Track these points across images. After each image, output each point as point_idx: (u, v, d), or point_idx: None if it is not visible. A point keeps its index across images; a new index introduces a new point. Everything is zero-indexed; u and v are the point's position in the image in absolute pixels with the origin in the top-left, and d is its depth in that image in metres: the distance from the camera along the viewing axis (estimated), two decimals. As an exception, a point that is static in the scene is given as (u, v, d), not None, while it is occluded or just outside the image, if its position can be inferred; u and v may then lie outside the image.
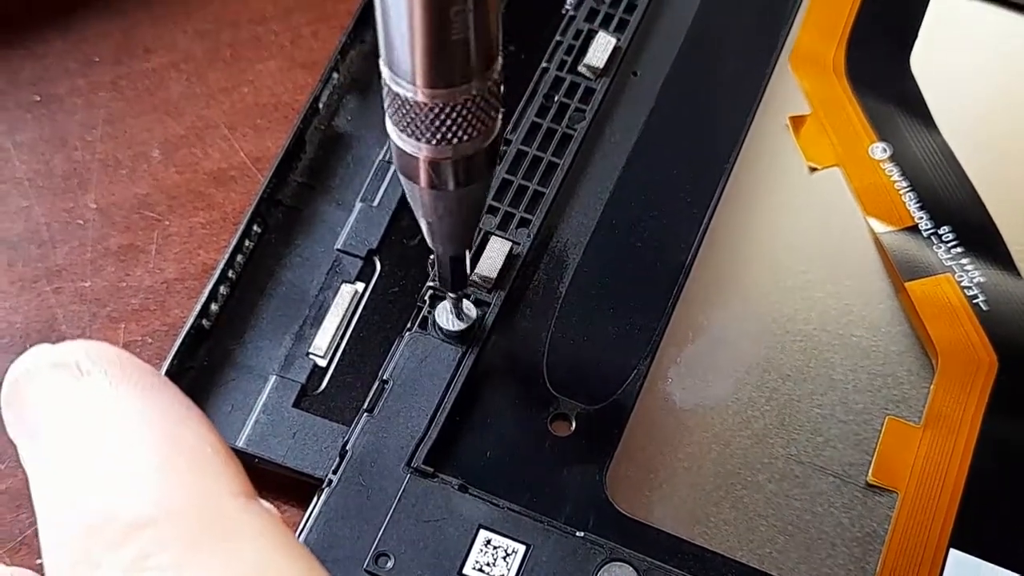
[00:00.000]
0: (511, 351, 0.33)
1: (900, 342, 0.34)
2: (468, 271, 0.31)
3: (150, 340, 0.35)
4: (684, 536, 0.31)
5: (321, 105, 0.37)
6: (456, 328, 0.32)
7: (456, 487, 0.31)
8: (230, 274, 0.34)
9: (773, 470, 0.32)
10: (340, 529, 0.30)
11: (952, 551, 0.31)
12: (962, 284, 0.34)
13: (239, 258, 0.35)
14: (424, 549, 0.30)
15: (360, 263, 0.35)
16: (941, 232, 0.35)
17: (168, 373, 0.32)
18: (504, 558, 0.30)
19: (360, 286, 0.35)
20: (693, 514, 0.32)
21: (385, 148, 0.36)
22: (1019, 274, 0.34)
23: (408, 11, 0.22)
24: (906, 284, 0.34)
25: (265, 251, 0.35)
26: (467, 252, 0.30)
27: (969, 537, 0.31)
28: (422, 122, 0.24)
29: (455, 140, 0.24)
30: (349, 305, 0.34)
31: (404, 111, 0.24)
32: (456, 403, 0.32)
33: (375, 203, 0.36)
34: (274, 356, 0.34)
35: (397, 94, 0.24)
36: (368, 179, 0.36)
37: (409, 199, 0.27)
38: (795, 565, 0.31)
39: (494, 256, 0.33)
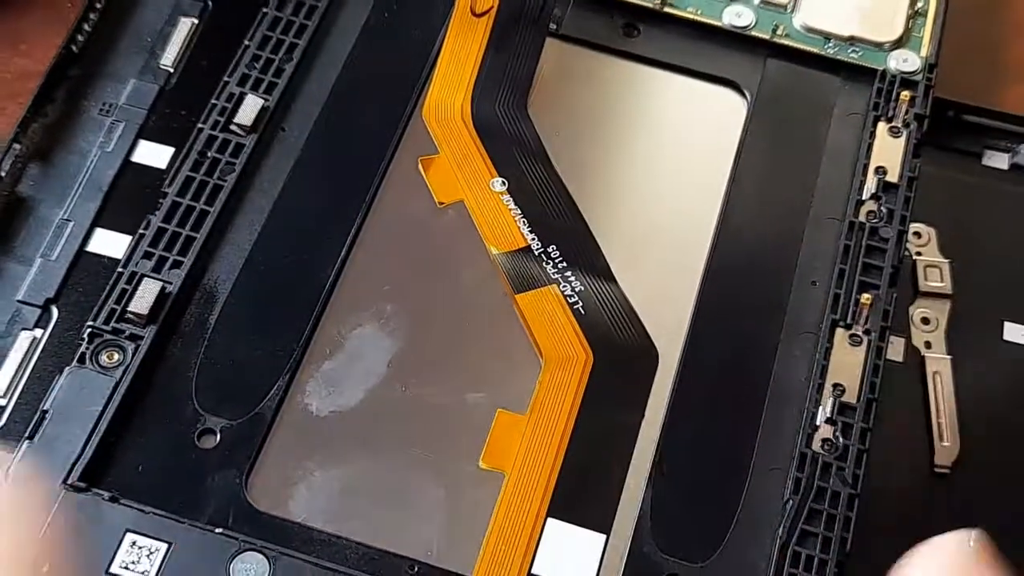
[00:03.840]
0: (162, 378, 0.37)
1: (512, 345, 0.39)
2: None
3: None
4: (315, 525, 0.35)
5: (3, 173, 0.41)
6: None
7: (107, 498, 0.35)
8: (-87, 329, 0.38)
9: (399, 461, 0.37)
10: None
11: (549, 519, 0.36)
12: (565, 293, 0.40)
13: (-77, 313, 0.38)
14: (77, 553, 0.34)
15: (39, 312, 0.39)
16: (549, 250, 0.40)
17: None
18: (148, 556, 0.34)
19: (38, 332, 0.39)
20: (327, 508, 0.36)
21: (63, 209, 0.41)
22: (615, 281, 0.40)
23: None
24: (516, 296, 0.40)
25: (-51, 306, 0.39)
26: None
27: (564, 507, 0.36)
28: None
29: None
30: (28, 349, 0.39)
31: None
32: (110, 426, 0.36)
33: (54, 257, 0.40)
34: (-44, 399, 0.38)
35: None
36: (48, 237, 0.41)
37: None
38: (414, 541, 0.36)
39: (146, 295, 0.38)
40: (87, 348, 0.37)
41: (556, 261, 0.40)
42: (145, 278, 0.38)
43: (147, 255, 0.39)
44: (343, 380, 0.38)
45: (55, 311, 0.39)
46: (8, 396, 0.38)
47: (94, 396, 0.36)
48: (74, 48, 0.44)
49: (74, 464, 0.35)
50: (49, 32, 0.46)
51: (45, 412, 0.36)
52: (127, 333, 0.37)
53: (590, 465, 0.37)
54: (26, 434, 0.36)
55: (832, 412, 0.38)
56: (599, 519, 0.36)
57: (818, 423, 0.38)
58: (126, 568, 0.34)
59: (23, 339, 0.39)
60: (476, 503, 0.36)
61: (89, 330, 0.37)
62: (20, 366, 0.38)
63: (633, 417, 0.38)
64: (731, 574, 0.36)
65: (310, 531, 0.35)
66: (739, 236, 0.41)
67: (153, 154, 0.42)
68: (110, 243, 0.40)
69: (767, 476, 0.37)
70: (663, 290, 0.40)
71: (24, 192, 0.41)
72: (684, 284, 0.40)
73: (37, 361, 0.38)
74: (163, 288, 0.38)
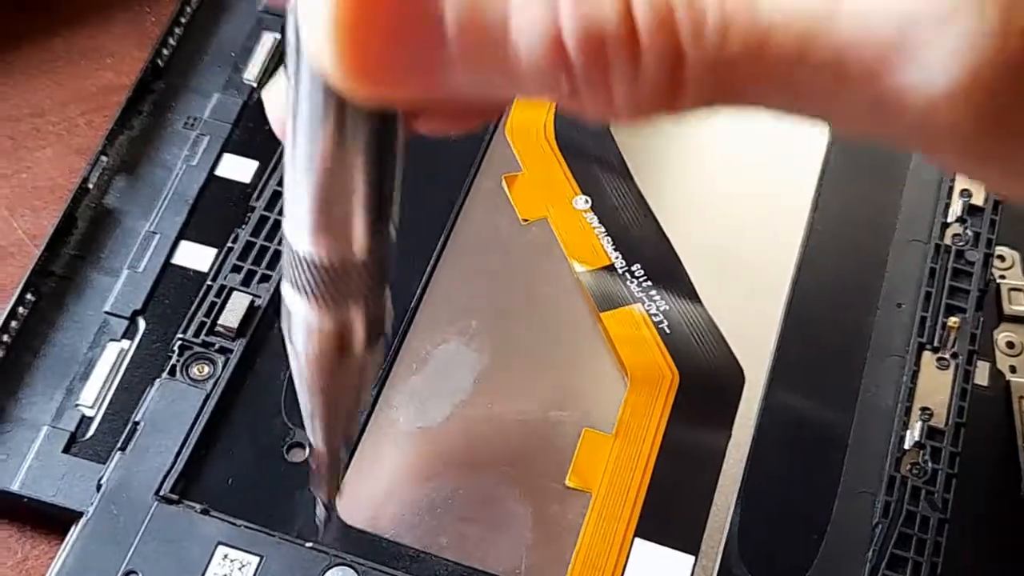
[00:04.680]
0: (252, 390, 0.38)
1: (597, 364, 0.39)
2: (341, 475, 0.31)
3: (-67, 401, 0.39)
4: (404, 541, 0.35)
5: (91, 185, 0.42)
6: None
7: (199, 511, 0.35)
8: (4, 338, 0.38)
9: (486, 478, 0.37)
10: (94, 552, 0.34)
11: (637, 540, 0.36)
12: (650, 312, 0.40)
13: (13, 323, 0.39)
14: (169, 566, 0.34)
15: (126, 323, 0.40)
16: (633, 269, 0.40)
17: (-57, 427, 0.36)
18: (240, 569, 0.34)
19: (126, 343, 0.39)
20: (413, 522, 0.36)
21: (149, 222, 0.41)
22: (700, 301, 0.40)
23: (307, 163, 0.22)
24: (601, 314, 0.40)
25: (39, 317, 0.39)
26: (343, 453, 0.30)
27: (651, 527, 0.36)
28: (305, 278, 0.24)
29: (331, 302, 0.24)
30: (116, 360, 0.39)
31: (292, 264, 0.24)
32: (200, 438, 0.36)
33: (140, 269, 0.40)
34: (46, 409, 0.38)
35: (289, 245, 0.24)
36: (135, 249, 0.41)
37: (294, 374, 0.27)
38: (502, 560, 0.36)
39: (236, 308, 0.38)
40: (177, 360, 0.37)
41: (640, 280, 0.40)
42: (235, 291, 0.39)
43: (235, 268, 0.39)
44: (430, 396, 0.38)
45: (142, 323, 0.40)
46: (96, 407, 0.38)
47: (185, 408, 0.37)
48: (159, 62, 0.44)
49: (166, 476, 0.35)
50: (131, 46, 0.46)
51: (136, 423, 0.36)
52: (217, 346, 0.38)
53: (677, 485, 0.37)
54: (118, 445, 0.36)
55: (921, 436, 0.37)
56: (687, 540, 0.36)
57: (906, 447, 0.37)
58: (218, 581, 0.34)
59: (111, 350, 0.39)
60: (563, 521, 0.36)
61: (179, 342, 0.38)
62: (108, 377, 0.38)
63: (720, 438, 0.38)
64: (822, 597, 0.35)
65: (399, 547, 0.35)
66: (824, 257, 0.41)
67: (237, 168, 0.43)
68: (195, 256, 0.41)
69: (855, 499, 0.37)
70: (747, 311, 0.40)
71: (111, 204, 0.42)
72: (768, 305, 0.40)
73: (124, 373, 0.39)
74: (252, 301, 0.38)
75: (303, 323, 0.25)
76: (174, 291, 0.40)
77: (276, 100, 0.24)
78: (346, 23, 0.19)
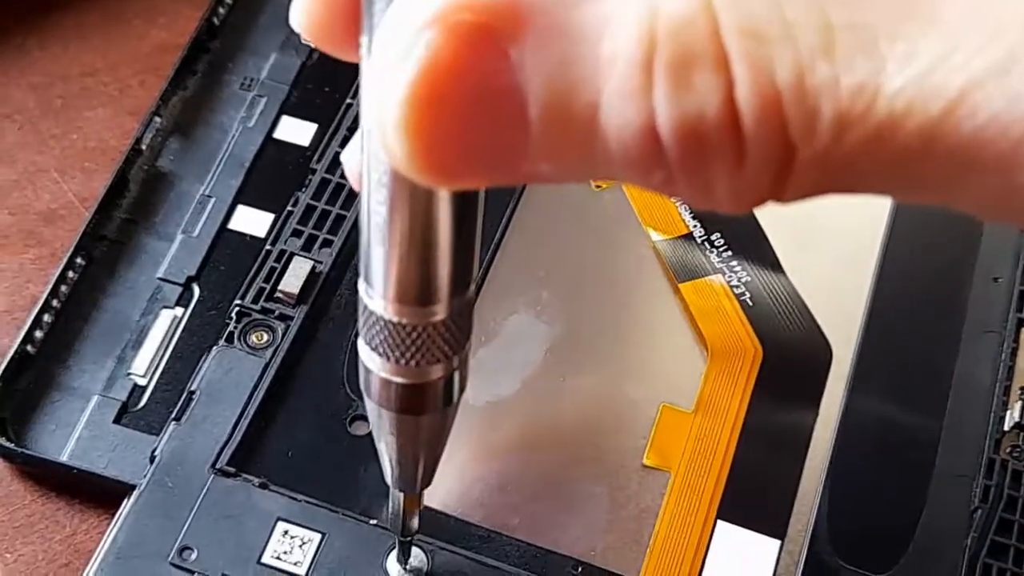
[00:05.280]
0: (313, 360, 0.36)
1: (675, 337, 0.37)
2: (419, 520, 0.30)
3: (-20, 369, 0.37)
4: (473, 520, 0.33)
5: (144, 147, 0.40)
6: None
7: (257, 484, 0.33)
8: (54, 303, 0.37)
9: (558, 455, 0.35)
10: (147, 527, 0.32)
11: (719, 522, 0.34)
12: (730, 283, 0.37)
13: (63, 288, 0.37)
14: (226, 542, 0.32)
15: (180, 290, 0.38)
16: (712, 238, 0.38)
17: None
18: (301, 546, 0.32)
19: (179, 311, 0.37)
20: (482, 500, 0.34)
21: (204, 185, 0.39)
22: (783, 272, 0.38)
23: (387, 221, 0.20)
24: (680, 285, 0.37)
25: (90, 282, 0.38)
26: (420, 494, 0.29)
27: (734, 509, 0.34)
28: (383, 339, 0.23)
29: (411, 362, 0.23)
30: (169, 328, 0.37)
31: (370, 324, 0.23)
32: (259, 409, 0.34)
33: (195, 234, 0.39)
34: (97, 378, 0.36)
35: (366, 306, 0.23)
36: (189, 213, 0.39)
37: (372, 426, 0.27)
38: (575, 541, 0.33)
39: (297, 274, 0.36)
40: (235, 327, 0.36)
41: (720, 249, 0.38)
42: (295, 256, 0.37)
43: (296, 233, 0.37)
44: (499, 369, 0.36)
45: (196, 289, 0.38)
46: (149, 376, 0.36)
47: (242, 377, 0.35)
48: (215, 20, 0.43)
49: (223, 448, 0.34)
50: (185, 5, 0.44)
51: (192, 393, 0.35)
52: (276, 313, 0.36)
53: (761, 465, 0.35)
54: (172, 415, 0.34)
55: (1021, 417, 0.35)
56: (773, 523, 0.34)
57: (1006, 428, 0.35)
58: (278, 558, 0.32)
59: (164, 317, 0.37)
60: (640, 502, 0.34)
61: (237, 308, 0.36)
62: (161, 345, 0.37)
63: (806, 416, 0.36)
64: (918, 587, 0.33)
65: (468, 526, 0.33)
66: (915, 227, 0.39)
67: (296, 130, 0.41)
68: (252, 221, 0.39)
69: (951, 483, 0.35)
70: (834, 283, 0.38)
71: (164, 167, 0.40)
72: (856, 277, 0.38)
73: (178, 341, 0.37)
74: (313, 267, 0.36)
75: (379, 381, 0.24)
76: (230, 257, 0.38)
77: (354, 160, 0.23)
78: (417, 125, 0.17)
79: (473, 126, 0.17)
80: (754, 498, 0.34)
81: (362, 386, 0.25)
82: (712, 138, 0.16)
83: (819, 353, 0.37)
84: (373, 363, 0.24)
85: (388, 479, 0.28)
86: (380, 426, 0.26)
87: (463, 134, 0.17)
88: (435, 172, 0.18)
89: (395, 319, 0.22)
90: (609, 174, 0.18)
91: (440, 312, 0.22)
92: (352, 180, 0.23)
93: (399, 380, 0.24)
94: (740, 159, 0.17)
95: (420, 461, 0.27)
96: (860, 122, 0.16)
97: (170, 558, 0.32)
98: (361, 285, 0.22)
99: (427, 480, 0.28)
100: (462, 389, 0.25)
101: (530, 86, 0.17)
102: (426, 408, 0.25)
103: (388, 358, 0.23)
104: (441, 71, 0.17)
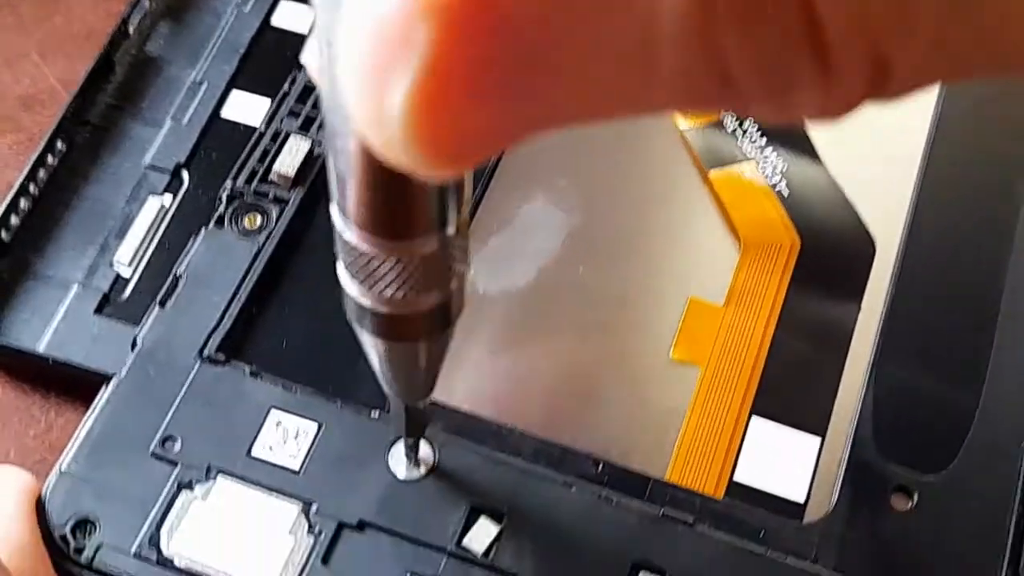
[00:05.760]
0: (310, 245, 0.33)
1: (704, 227, 0.34)
2: (425, 421, 0.28)
3: (-49, 258, 0.34)
4: (484, 415, 0.31)
5: (131, 29, 0.37)
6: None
7: (249, 373, 0.30)
8: (31, 189, 0.34)
9: (577, 349, 0.32)
10: (127, 416, 0.29)
11: (754, 417, 0.31)
12: (765, 172, 0.34)
13: (41, 173, 0.34)
14: (213, 432, 0.29)
15: (168, 177, 0.35)
16: (745, 125, 0.35)
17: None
18: (295, 437, 0.29)
19: (167, 198, 0.34)
20: (497, 397, 0.31)
21: (196, 70, 0.36)
22: (820, 161, 0.35)
23: (357, 155, 0.17)
24: (709, 173, 0.34)
25: (71, 168, 0.35)
26: (423, 403, 0.27)
27: (770, 405, 0.31)
28: (366, 270, 0.21)
29: (396, 294, 0.21)
30: (156, 216, 0.34)
31: (347, 251, 0.21)
32: (251, 295, 0.31)
33: (185, 120, 0.36)
34: (77, 266, 0.33)
35: (341, 235, 0.20)
36: (179, 99, 0.36)
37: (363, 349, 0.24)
38: (597, 440, 0.31)
39: (293, 154, 0.33)
40: (225, 210, 0.33)
41: (753, 137, 0.35)
42: (292, 136, 0.34)
43: (293, 113, 0.34)
44: (512, 258, 0.33)
45: (186, 176, 0.35)
46: (133, 265, 0.33)
47: (233, 262, 0.32)
48: (209, -99, 0.40)
49: (211, 334, 0.31)
50: None
51: (178, 277, 0.32)
52: (271, 195, 0.33)
53: (800, 360, 0.32)
54: (157, 300, 0.31)
55: (1081, 311, 0.32)
56: (812, 420, 0.31)
57: (1065, 323, 0.32)
58: (270, 449, 0.29)
59: (151, 205, 0.34)
60: (666, 399, 0.31)
61: (227, 191, 0.33)
62: (147, 233, 0.34)
63: (848, 310, 0.33)
64: (972, 489, 0.30)
65: (478, 421, 0.30)
66: (964, 120, 0.36)
67: (294, 16, 0.38)
68: (247, 108, 0.36)
69: (1007, 382, 0.32)
70: (877, 174, 0.35)
71: (153, 52, 0.37)
72: (900, 169, 0.35)
73: (166, 229, 0.34)
74: (311, 148, 0.34)
75: (363, 309, 0.22)
76: (222, 145, 0.35)
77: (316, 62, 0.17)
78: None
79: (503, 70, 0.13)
80: (792, 393, 0.31)
81: (346, 309, 0.22)
82: (794, 66, 0.13)
83: (862, 245, 0.34)
84: (355, 291, 0.22)
85: (385, 390, 0.25)
86: (369, 347, 0.23)
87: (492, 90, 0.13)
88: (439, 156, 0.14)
89: (376, 251, 0.20)
90: (664, 112, 0.15)
91: (427, 244, 0.19)
92: (314, 77, 0.18)
93: (384, 310, 0.21)
94: (827, 79, 0.14)
95: (418, 377, 0.24)
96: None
97: (152, 449, 0.29)
98: (334, 211, 0.19)
99: (427, 391, 0.25)
100: (459, 311, 0.22)
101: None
102: (417, 335, 0.22)
103: (371, 287, 0.21)
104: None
